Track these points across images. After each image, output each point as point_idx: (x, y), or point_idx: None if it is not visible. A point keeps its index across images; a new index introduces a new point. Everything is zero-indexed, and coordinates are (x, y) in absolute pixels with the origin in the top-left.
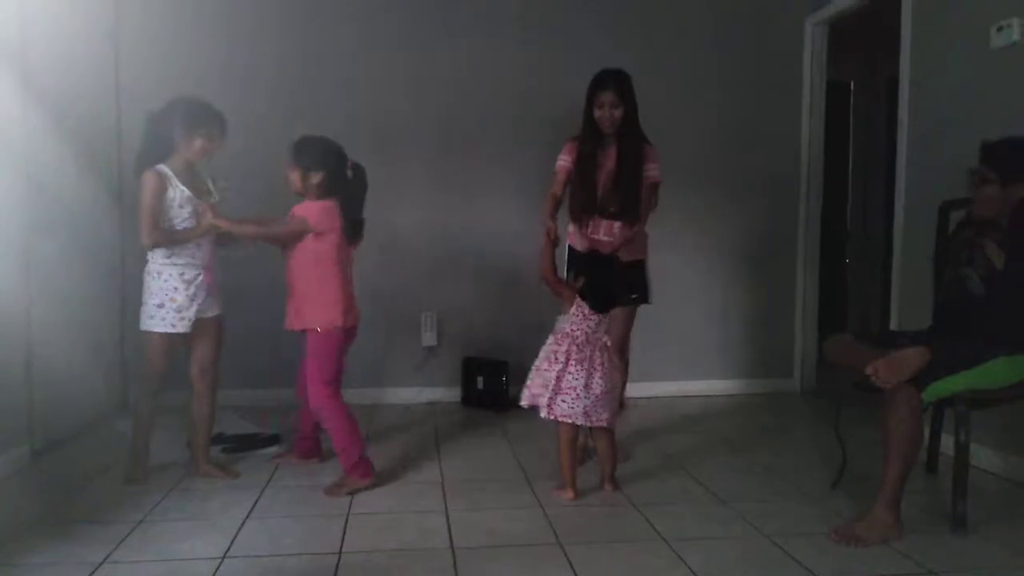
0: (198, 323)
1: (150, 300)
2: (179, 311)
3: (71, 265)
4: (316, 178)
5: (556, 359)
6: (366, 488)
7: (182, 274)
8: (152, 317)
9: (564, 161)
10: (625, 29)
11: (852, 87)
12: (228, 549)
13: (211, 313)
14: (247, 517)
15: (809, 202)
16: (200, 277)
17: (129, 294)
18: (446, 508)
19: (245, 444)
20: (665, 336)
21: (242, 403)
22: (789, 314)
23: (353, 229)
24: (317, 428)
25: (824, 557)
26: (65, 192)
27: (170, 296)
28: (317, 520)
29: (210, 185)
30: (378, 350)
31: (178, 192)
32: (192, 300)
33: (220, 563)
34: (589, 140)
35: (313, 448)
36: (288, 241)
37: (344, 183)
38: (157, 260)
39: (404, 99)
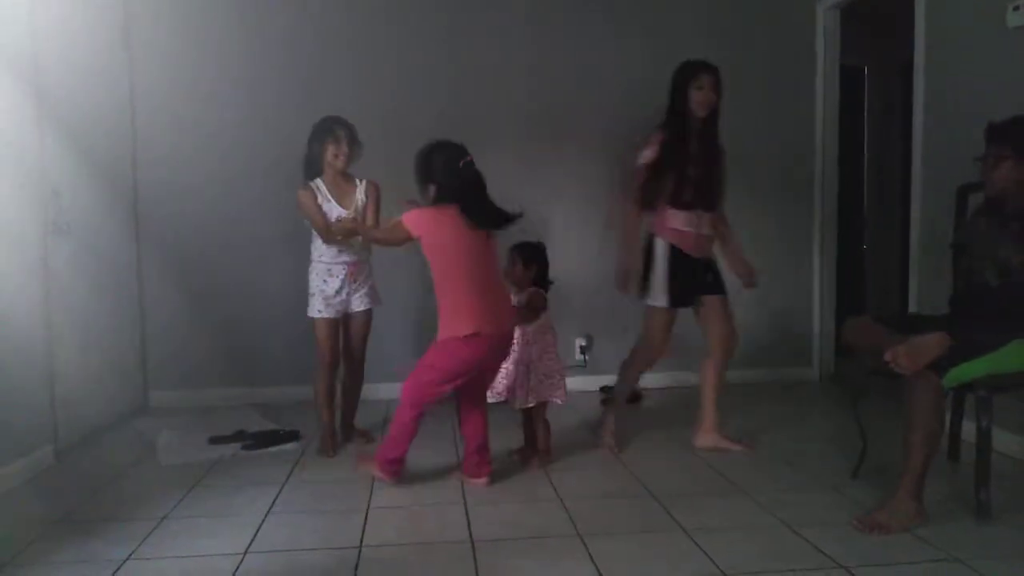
0: (349, 315)
1: (309, 291)
2: (326, 300)
3: (88, 268)
4: (431, 190)
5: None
6: (382, 482)
7: (328, 270)
8: (311, 306)
9: (650, 154)
10: (634, 17)
11: (866, 71)
12: (250, 544)
13: (358, 308)
14: (268, 513)
15: (825, 188)
16: (345, 272)
17: (147, 295)
18: (465, 501)
19: (265, 440)
20: (682, 325)
21: (264, 400)
22: (807, 302)
23: (482, 221)
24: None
25: (847, 546)
26: (81, 197)
27: (319, 287)
28: (337, 515)
29: (359, 194)
30: (395, 345)
31: (323, 201)
32: (337, 292)
33: (242, 559)
34: (676, 130)
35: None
36: (391, 243)
37: (460, 186)
38: (312, 258)
39: (411, 98)
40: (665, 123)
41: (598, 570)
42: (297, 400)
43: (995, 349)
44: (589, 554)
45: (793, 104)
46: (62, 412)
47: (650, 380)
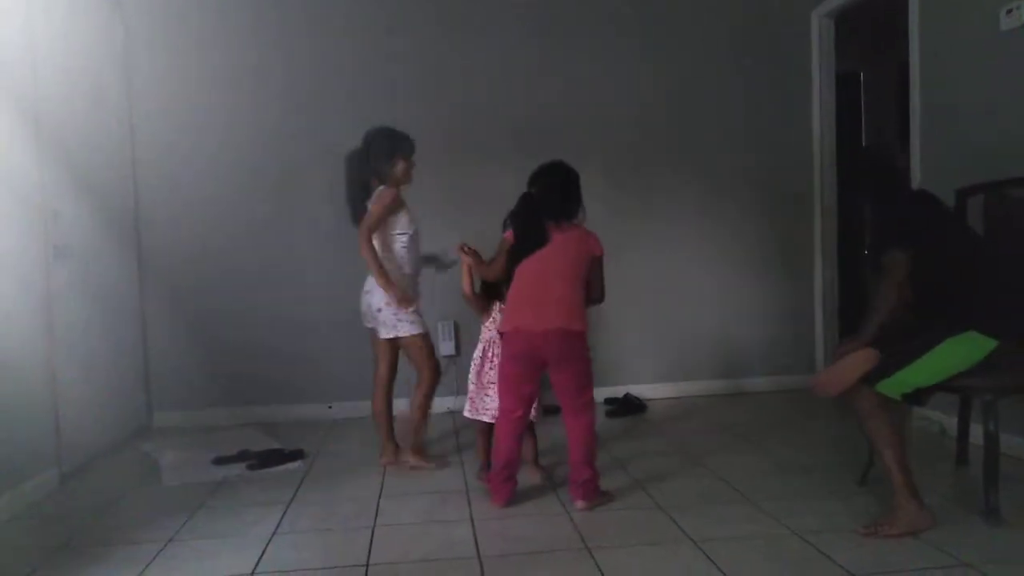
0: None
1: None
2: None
3: (89, 289)
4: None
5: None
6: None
7: (414, 281)
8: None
9: None
10: (631, 27)
11: (862, 77)
12: (256, 565)
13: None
14: (274, 533)
15: (824, 195)
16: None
17: (148, 316)
18: (471, 516)
19: (270, 460)
20: (685, 336)
21: (267, 420)
22: (809, 309)
23: None
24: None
25: (857, 552)
26: (81, 218)
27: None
28: (343, 533)
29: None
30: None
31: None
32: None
33: None
34: None
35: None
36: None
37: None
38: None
39: (414, 108)
40: None
41: None
42: (300, 419)
43: (924, 352)
44: (598, 566)
45: (790, 112)
46: (65, 435)
47: (652, 391)
